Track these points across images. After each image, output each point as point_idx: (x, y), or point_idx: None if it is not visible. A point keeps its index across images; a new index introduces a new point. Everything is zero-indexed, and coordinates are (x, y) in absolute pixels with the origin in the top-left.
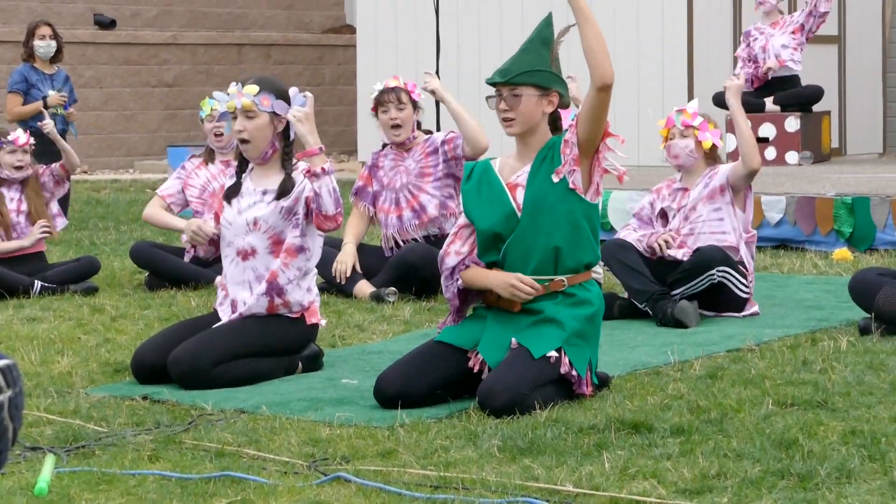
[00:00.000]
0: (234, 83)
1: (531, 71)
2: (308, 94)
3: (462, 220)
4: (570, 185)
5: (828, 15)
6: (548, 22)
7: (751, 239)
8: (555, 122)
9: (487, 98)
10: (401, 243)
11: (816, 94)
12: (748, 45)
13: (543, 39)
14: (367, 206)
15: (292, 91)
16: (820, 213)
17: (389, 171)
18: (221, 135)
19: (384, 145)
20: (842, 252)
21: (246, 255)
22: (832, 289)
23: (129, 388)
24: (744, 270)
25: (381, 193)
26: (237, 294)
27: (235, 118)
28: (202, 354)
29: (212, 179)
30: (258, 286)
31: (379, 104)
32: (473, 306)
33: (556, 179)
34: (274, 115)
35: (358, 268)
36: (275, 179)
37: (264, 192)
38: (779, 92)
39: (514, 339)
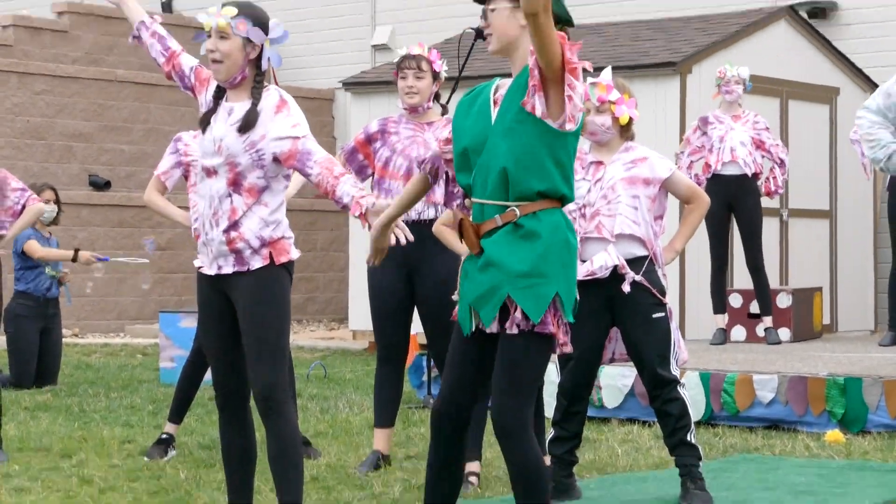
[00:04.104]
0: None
1: None
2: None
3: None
4: (529, 110)
5: (785, 168)
6: None
7: (659, 231)
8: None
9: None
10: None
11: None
12: (704, 132)
13: None
14: (350, 171)
15: (272, 22)
16: (812, 393)
17: (406, 139)
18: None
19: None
20: (834, 434)
21: (209, 172)
22: (825, 473)
23: None
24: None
25: (392, 159)
26: (208, 237)
27: (211, 37)
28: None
29: None
30: (221, 223)
31: (398, 69)
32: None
33: (528, 109)
34: (248, 41)
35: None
36: (243, 105)
37: (230, 112)
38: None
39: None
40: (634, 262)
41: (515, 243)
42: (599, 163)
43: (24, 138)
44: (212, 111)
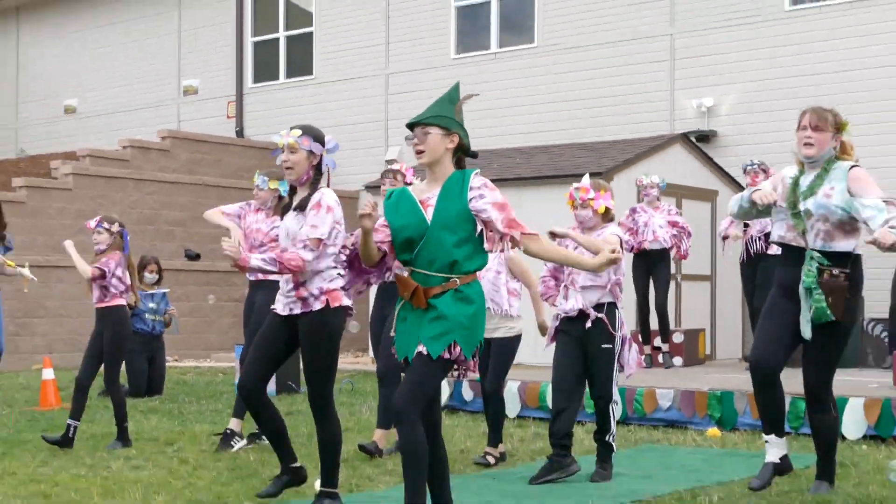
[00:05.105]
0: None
1: (438, 115)
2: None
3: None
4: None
5: (690, 238)
6: (455, 87)
7: (619, 281)
8: (459, 162)
9: (406, 138)
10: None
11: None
12: (633, 219)
13: (450, 97)
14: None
15: (327, 138)
16: (698, 402)
17: None
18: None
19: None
20: (713, 431)
21: (284, 251)
22: (707, 458)
23: None
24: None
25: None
26: (284, 291)
27: (284, 151)
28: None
29: (259, 222)
30: (290, 283)
31: (383, 177)
32: (398, 308)
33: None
34: (310, 152)
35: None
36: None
37: (295, 205)
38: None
39: (420, 345)
40: (599, 306)
41: (458, 304)
42: None
43: (138, 225)
44: (288, 205)
